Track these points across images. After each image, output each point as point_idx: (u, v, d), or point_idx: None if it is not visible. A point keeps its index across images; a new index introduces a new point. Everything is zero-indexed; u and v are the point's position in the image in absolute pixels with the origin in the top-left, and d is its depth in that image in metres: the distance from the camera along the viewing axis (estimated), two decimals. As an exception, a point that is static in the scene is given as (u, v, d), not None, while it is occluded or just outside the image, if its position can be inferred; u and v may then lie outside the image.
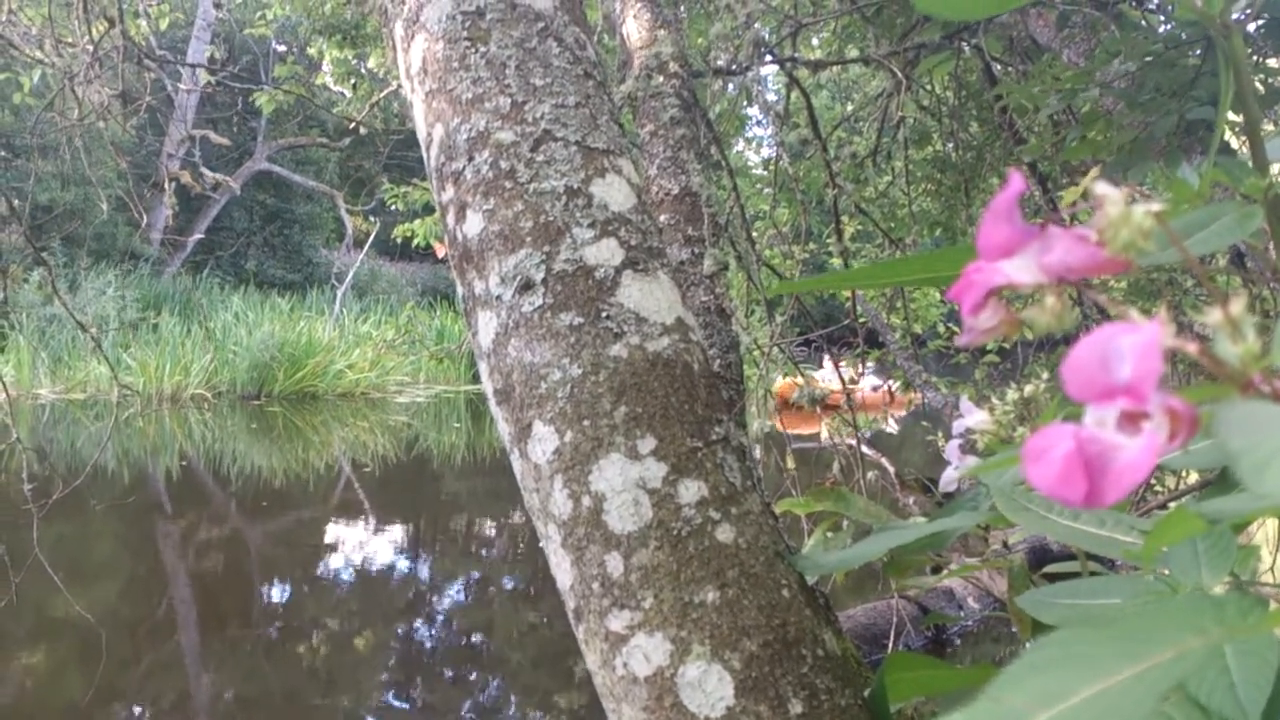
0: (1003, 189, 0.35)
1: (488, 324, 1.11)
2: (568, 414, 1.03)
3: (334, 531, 6.14)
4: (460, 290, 1.18)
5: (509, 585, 5.01)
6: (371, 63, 7.19)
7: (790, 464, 3.21)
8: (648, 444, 1.01)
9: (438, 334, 15.70)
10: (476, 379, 14.72)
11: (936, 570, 1.85)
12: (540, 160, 1.11)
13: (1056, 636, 0.37)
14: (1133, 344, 0.30)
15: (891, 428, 9.73)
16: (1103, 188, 0.35)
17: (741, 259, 3.01)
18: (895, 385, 5.03)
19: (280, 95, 7.21)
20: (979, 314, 0.36)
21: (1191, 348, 0.32)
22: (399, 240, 8.20)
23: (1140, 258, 0.35)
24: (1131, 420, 0.30)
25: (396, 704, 3.57)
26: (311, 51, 7.23)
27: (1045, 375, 1.00)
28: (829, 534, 1.27)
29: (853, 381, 3.55)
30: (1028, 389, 0.99)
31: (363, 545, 5.75)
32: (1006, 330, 0.37)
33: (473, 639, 4.22)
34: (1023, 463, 0.31)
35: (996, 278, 0.35)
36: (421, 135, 1.23)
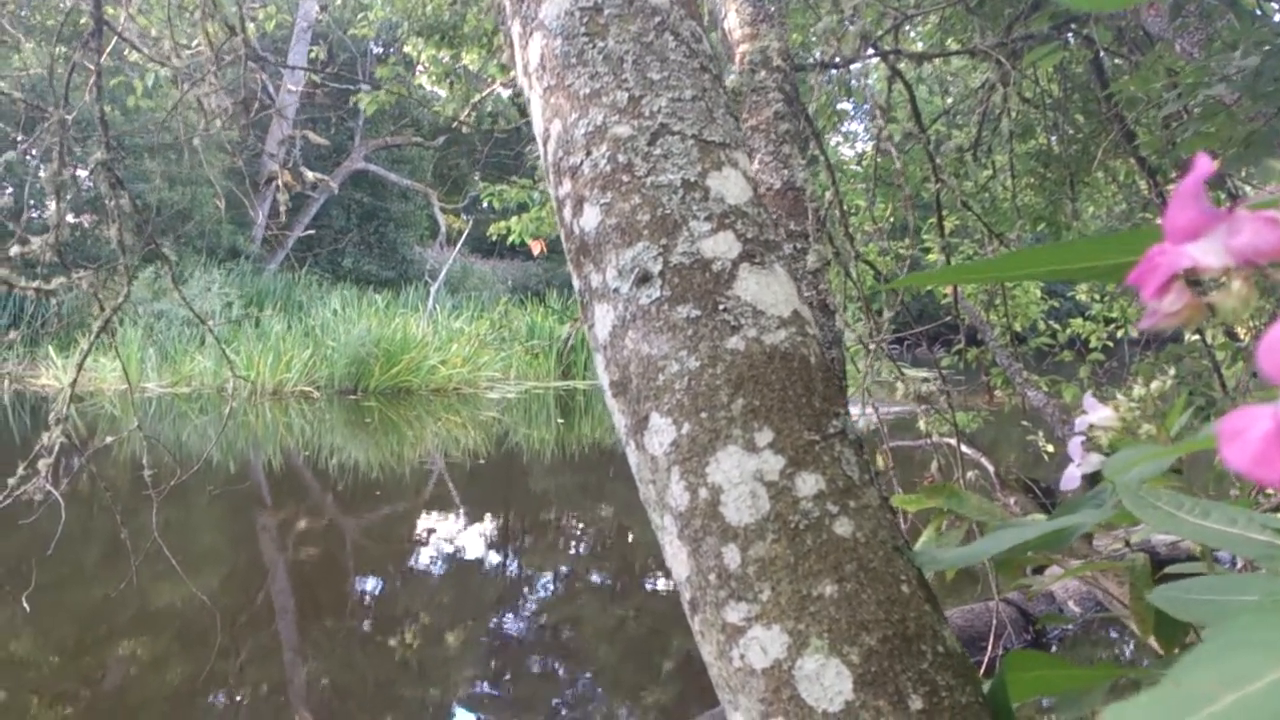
0: (1189, 171, 0.34)
1: (605, 316, 1.12)
2: (685, 406, 1.03)
3: (426, 524, 6.25)
4: (576, 284, 1.19)
5: (597, 580, 5.04)
6: (467, 61, 7.30)
7: (881, 462, 3.17)
8: (765, 436, 1.01)
9: (528, 330, 15.90)
10: (565, 375, 14.90)
11: (1039, 571, 1.81)
12: (657, 154, 1.12)
13: (1234, 623, 0.37)
14: (1335, 326, 0.30)
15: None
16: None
17: (839, 254, 2.99)
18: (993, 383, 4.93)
19: (382, 96, 7.36)
20: (1163, 297, 0.36)
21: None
22: (493, 238, 8.32)
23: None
24: (1331, 404, 0.30)
25: (485, 694, 3.62)
26: (408, 50, 7.36)
27: (1171, 371, 0.97)
28: (939, 532, 1.25)
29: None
30: (1154, 385, 0.96)
31: (454, 539, 5.84)
32: (1190, 315, 0.36)
33: (561, 633, 4.26)
34: (1218, 443, 0.31)
35: (1182, 260, 0.35)
36: (539, 131, 1.25)
